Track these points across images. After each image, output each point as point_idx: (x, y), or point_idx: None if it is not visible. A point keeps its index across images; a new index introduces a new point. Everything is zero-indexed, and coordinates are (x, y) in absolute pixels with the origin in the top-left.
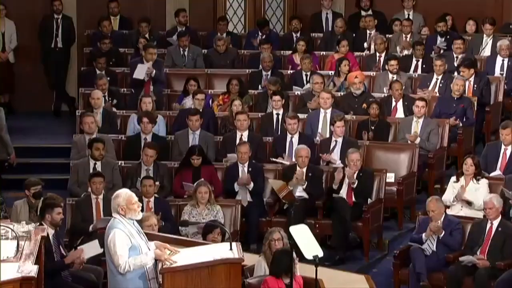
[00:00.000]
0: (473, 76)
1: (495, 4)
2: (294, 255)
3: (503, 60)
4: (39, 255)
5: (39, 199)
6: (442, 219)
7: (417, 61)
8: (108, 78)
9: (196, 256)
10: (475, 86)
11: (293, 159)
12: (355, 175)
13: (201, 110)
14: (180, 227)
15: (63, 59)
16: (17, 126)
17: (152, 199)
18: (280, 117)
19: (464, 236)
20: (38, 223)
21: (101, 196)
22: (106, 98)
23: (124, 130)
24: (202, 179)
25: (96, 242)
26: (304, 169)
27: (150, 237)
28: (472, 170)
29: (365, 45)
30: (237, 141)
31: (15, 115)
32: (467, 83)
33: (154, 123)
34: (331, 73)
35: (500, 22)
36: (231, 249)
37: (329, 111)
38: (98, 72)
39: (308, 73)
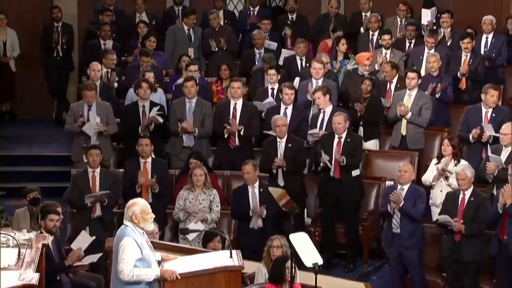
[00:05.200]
0: (470, 52)
1: (494, 4)
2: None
3: (486, 37)
4: (40, 262)
5: (37, 205)
6: (407, 186)
7: (410, 43)
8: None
9: (197, 264)
10: (471, 61)
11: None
12: (342, 139)
13: (196, 81)
14: (179, 235)
15: (64, 67)
16: (19, 134)
17: (149, 160)
18: (275, 91)
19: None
20: (39, 231)
21: (98, 170)
22: (108, 73)
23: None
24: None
25: (83, 232)
26: (284, 139)
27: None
28: (450, 150)
29: (362, 30)
30: (231, 110)
31: (17, 123)
32: (463, 56)
33: (152, 90)
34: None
35: (499, 15)
36: (231, 256)
37: (320, 80)
38: (102, 43)
39: (303, 58)
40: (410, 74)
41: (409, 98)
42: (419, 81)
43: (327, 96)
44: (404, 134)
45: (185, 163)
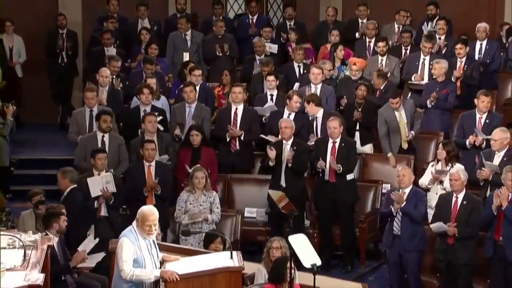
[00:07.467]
0: (464, 57)
1: (488, 11)
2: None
3: (480, 44)
4: (45, 263)
5: (43, 207)
6: (408, 190)
7: (406, 49)
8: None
9: (198, 265)
10: (466, 66)
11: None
12: (336, 144)
13: (198, 87)
14: (181, 236)
15: (68, 73)
16: (25, 138)
17: (153, 163)
18: (274, 97)
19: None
20: (44, 233)
21: (103, 173)
22: (113, 80)
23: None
24: (198, 165)
25: (90, 237)
26: (289, 142)
27: None
28: (443, 155)
29: (357, 35)
30: (232, 115)
31: (23, 127)
32: (458, 62)
33: (154, 96)
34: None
35: (493, 23)
36: (231, 257)
37: (319, 86)
38: (106, 49)
39: (301, 64)
40: (393, 100)
41: (400, 114)
42: (409, 95)
43: (312, 104)
44: (405, 148)
45: (186, 136)
